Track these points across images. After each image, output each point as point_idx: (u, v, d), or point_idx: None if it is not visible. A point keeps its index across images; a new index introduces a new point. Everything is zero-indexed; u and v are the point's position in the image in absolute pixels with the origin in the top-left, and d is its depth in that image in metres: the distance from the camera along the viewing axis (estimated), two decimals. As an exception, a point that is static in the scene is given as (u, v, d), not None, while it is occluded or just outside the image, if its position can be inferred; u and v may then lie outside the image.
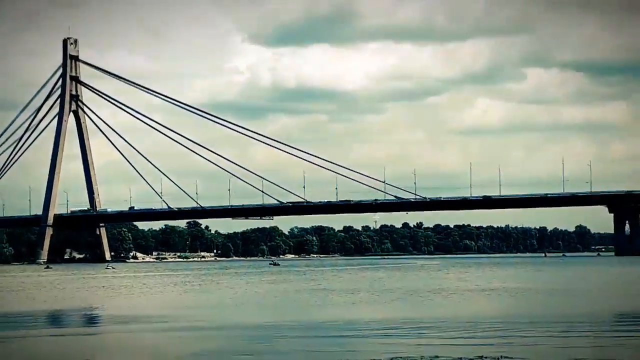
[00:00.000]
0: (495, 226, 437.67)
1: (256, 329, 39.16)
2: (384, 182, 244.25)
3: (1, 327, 40.94)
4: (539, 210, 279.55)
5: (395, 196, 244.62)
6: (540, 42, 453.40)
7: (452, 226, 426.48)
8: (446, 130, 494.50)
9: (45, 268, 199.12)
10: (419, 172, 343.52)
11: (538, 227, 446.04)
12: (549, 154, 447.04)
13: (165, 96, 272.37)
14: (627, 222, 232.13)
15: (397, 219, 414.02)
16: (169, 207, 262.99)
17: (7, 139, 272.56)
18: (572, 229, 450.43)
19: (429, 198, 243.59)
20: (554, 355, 25.48)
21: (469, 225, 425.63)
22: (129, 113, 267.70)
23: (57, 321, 47.34)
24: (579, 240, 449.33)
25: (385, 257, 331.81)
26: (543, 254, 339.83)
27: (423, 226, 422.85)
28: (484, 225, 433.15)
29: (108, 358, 29.45)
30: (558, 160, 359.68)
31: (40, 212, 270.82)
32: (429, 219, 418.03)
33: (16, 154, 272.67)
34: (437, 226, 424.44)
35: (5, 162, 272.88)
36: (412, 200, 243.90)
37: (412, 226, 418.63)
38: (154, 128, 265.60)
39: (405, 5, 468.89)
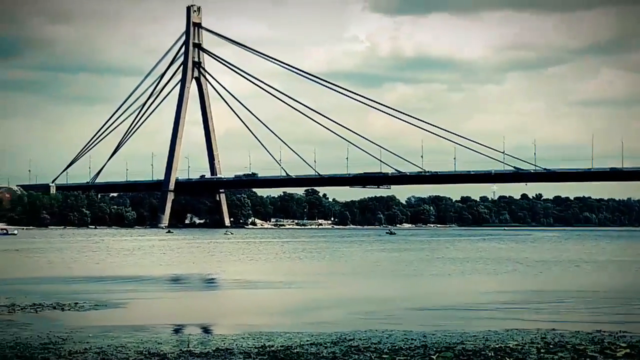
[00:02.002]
0: (616, 199, 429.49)
1: (371, 297, 39.51)
2: (502, 152, 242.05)
3: (130, 288, 42.19)
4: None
5: (514, 167, 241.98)
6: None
7: (572, 198, 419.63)
8: (567, 101, 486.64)
9: (166, 232, 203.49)
10: (539, 143, 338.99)
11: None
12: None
13: (285, 63, 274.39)
14: None
15: (515, 189, 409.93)
16: (287, 174, 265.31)
17: (131, 105, 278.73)
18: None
19: (548, 169, 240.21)
20: (674, 331, 25.10)
21: (589, 197, 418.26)
22: (249, 80, 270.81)
23: (181, 283, 48.50)
24: None
25: (503, 228, 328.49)
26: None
27: (542, 198, 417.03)
28: (605, 198, 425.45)
29: (224, 317, 30.14)
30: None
31: (162, 177, 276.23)
32: (549, 190, 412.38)
33: (140, 119, 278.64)
34: (557, 198, 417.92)
35: (129, 127, 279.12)
36: (532, 171, 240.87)
37: (531, 197, 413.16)
38: (273, 95, 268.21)
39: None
